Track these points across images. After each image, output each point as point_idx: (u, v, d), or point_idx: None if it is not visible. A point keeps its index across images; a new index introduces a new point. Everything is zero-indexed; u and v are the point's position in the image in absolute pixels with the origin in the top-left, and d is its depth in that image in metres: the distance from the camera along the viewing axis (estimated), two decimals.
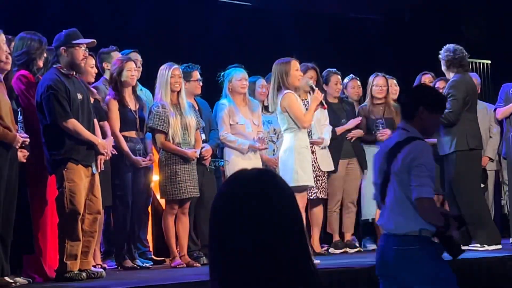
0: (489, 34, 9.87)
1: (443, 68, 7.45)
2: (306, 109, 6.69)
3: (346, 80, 8.18)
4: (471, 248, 6.99)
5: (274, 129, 7.42)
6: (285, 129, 6.66)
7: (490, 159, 8.01)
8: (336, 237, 7.71)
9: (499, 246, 7.06)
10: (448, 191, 7.44)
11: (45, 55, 5.82)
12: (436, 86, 7.72)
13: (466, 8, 11.31)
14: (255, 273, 1.85)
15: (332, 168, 7.48)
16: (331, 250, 7.54)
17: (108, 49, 7.05)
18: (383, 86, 7.93)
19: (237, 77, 7.07)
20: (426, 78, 8.01)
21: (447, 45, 7.48)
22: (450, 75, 7.36)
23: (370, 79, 8.00)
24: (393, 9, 11.20)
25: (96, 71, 6.49)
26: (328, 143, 7.42)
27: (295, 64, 6.63)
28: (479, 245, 7.04)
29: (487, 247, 6.98)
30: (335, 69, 7.94)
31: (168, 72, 6.61)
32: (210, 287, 1.92)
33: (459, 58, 7.34)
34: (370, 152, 7.59)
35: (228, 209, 1.88)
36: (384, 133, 7.45)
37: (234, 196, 1.89)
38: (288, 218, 1.88)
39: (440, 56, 7.43)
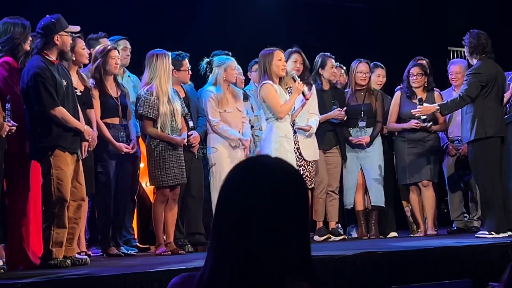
0: (473, 24, 9.86)
1: (466, 54, 7.43)
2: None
3: None
4: (480, 235, 7.07)
5: (250, 119, 7.46)
6: (266, 118, 6.73)
7: None
8: (320, 224, 7.72)
9: (506, 234, 7.08)
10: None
11: (30, 39, 5.77)
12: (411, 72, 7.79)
13: None
14: (253, 254, 1.85)
15: (317, 158, 7.46)
16: (315, 237, 7.54)
17: (97, 35, 7.02)
18: (366, 73, 7.94)
19: (232, 66, 7.07)
20: (363, 66, 7.95)
21: (471, 30, 7.42)
22: (474, 61, 7.32)
23: (353, 65, 7.99)
24: None
25: (89, 51, 6.43)
26: (314, 131, 7.40)
27: (278, 54, 6.74)
28: (487, 232, 7.08)
29: (494, 235, 7.02)
30: (329, 53, 7.92)
31: (168, 61, 6.58)
32: (206, 264, 1.91)
33: (483, 44, 7.27)
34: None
35: (238, 188, 1.89)
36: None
37: (248, 178, 1.90)
38: (294, 208, 1.89)
39: (463, 42, 7.42)
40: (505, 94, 7.74)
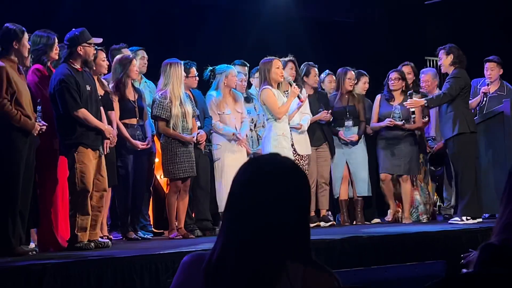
0: (450, 36, 9.88)
1: (447, 62, 7.45)
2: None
3: (322, 75, 8.20)
4: (453, 222, 7.10)
5: (252, 119, 7.47)
6: (267, 119, 6.81)
7: None
8: (312, 213, 7.70)
9: (477, 221, 7.11)
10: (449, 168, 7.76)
11: (57, 49, 5.78)
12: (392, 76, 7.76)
13: (430, 12, 11.33)
14: (259, 237, 1.85)
15: (309, 152, 7.46)
16: None
17: (119, 46, 7.04)
18: (353, 80, 7.95)
19: (232, 73, 7.10)
20: (406, 68, 7.96)
21: (447, 44, 7.49)
22: (450, 70, 7.38)
23: (341, 72, 7.99)
24: (365, 13, 11.21)
25: (108, 63, 6.44)
26: (306, 128, 7.40)
27: (276, 63, 6.78)
28: (459, 219, 7.13)
29: (467, 221, 7.05)
30: (313, 63, 7.92)
31: (181, 69, 6.60)
32: (217, 244, 1.92)
33: (461, 56, 7.39)
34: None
35: (249, 179, 1.91)
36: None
37: (258, 171, 1.92)
38: (296, 199, 1.90)
39: (443, 51, 7.45)
40: (475, 98, 7.79)
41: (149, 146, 6.64)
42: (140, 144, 6.52)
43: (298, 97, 6.91)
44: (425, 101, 7.27)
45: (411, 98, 7.36)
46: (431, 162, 8.00)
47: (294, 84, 6.95)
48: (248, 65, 7.63)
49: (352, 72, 7.97)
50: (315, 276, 1.90)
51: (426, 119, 7.90)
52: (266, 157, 2.02)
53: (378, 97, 7.84)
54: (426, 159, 7.94)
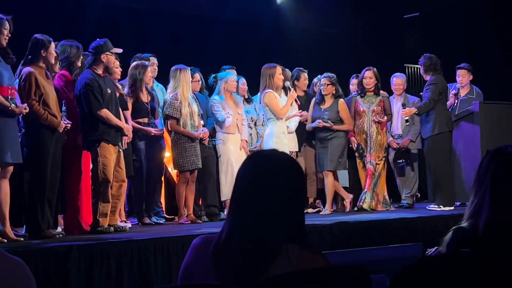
0: (426, 45, 9.89)
1: (422, 71, 7.46)
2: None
3: (315, 79, 8.11)
4: (431, 209, 7.13)
5: (252, 118, 7.46)
6: (268, 118, 6.78)
7: (412, 141, 7.99)
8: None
9: (452, 208, 7.14)
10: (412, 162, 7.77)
11: (82, 57, 5.80)
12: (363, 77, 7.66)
13: (408, 25, 11.33)
14: (259, 222, 1.88)
15: (297, 149, 7.35)
16: None
17: (140, 55, 7.04)
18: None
19: (231, 79, 7.09)
20: (369, 72, 7.57)
21: (425, 54, 7.47)
22: (427, 77, 7.39)
23: (321, 78, 7.88)
24: (350, 25, 11.21)
25: (121, 70, 6.44)
26: (293, 130, 7.28)
27: (278, 69, 6.75)
28: (437, 206, 7.16)
29: (443, 208, 7.07)
30: (303, 68, 7.86)
31: (189, 74, 6.64)
32: (224, 228, 1.95)
33: (435, 64, 7.35)
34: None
35: (252, 171, 1.94)
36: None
37: (260, 163, 1.95)
38: (293, 189, 1.93)
39: (419, 61, 7.43)
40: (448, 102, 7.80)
41: (161, 132, 6.61)
42: (153, 130, 6.52)
43: (296, 100, 6.93)
44: (416, 110, 7.25)
45: (404, 108, 7.38)
46: (397, 156, 7.96)
47: (292, 88, 6.93)
48: (234, 68, 7.43)
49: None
50: (309, 257, 1.93)
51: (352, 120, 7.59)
52: (267, 152, 2.06)
53: (313, 100, 7.50)
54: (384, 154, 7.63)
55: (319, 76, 8.14)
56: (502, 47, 9.51)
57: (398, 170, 8.01)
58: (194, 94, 7.01)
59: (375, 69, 7.51)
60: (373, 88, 7.46)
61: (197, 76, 7.04)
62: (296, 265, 1.89)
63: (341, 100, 7.39)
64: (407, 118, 7.46)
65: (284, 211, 1.90)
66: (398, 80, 8.01)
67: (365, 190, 7.38)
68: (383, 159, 7.47)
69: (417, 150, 8.03)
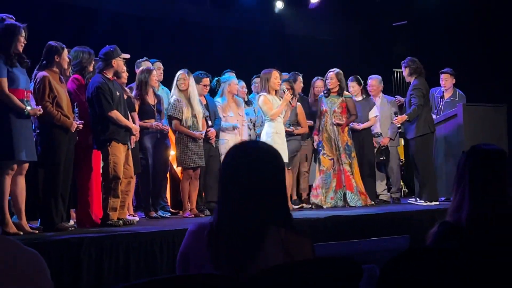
0: (412, 51, 9.89)
1: (406, 73, 7.41)
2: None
3: (313, 81, 8.08)
4: (419, 203, 7.14)
5: (251, 119, 7.44)
6: (264, 119, 6.77)
7: (391, 139, 7.97)
8: (294, 197, 7.64)
9: (437, 202, 7.15)
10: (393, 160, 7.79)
11: (93, 63, 5.80)
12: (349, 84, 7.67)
13: (397, 32, 11.33)
14: (253, 207, 1.90)
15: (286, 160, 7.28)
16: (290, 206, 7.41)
17: (142, 60, 7.04)
18: (322, 87, 7.80)
19: (234, 82, 7.10)
20: (331, 74, 7.46)
21: (409, 57, 7.45)
22: (411, 79, 7.37)
23: (313, 81, 7.90)
24: (342, 33, 11.21)
25: (128, 75, 6.42)
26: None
27: (275, 74, 6.75)
28: (423, 201, 7.15)
29: (428, 203, 7.07)
30: (298, 72, 7.85)
31: (191, 78, 6.61)
32: (214, 216, 1.97)
33: (420, 67, 7.33)
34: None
35: (234, 161, 1.97)
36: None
37: (241, 153, 1.98)
38: (273, 174, 1.96)
39: (403, 64, 7.40)
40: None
41: (166, 129, 6.57)
42: (160, 125, 6.49)
43: (290, 102, 6.92)
44: (407, 117, 7.26)
45: (396, 116, 7.40)
46: (377, 153, 7.95)
47: (288, 91, 6.92)
48: (234, 71, 7.42)
49: (322, 80, 7.77)
50: (295, 238, 1.95)
51: (310, 122, 7.59)
52: (248, 143, 2.10)
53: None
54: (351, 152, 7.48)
55: (315, 78, 8.16)
56: (484, 52, 9.52)
57: (377, 166, 8.00)
58: (204, 97, 7.01)
59: (338, 71, 7.39)
60: (336, 89, 7.37)
61: (205, 80, 6.99)
62: (283, 246, 1.90)
63: (299, 103, 7.38)
64: (399, 125, 7.50)
65: (267, 194, 1.92)
66: (373, 82, 8.03)
67: (345, 190, 7.22)
68: (354, 157, 7.35)
69: (395, 147, 8.04)
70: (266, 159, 1.97)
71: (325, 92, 7.45)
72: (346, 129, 7.37)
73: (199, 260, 1.94)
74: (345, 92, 7.44)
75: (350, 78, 7.98)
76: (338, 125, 7.27)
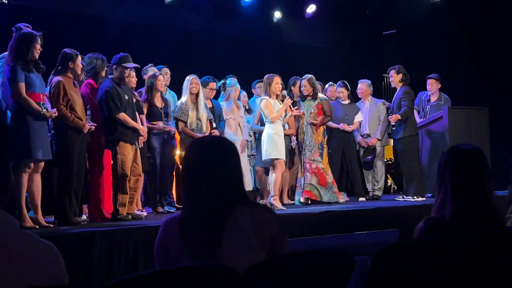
0: (401, 58, 9.89)
1: (397, 79, 7.44)
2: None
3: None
4: (406, 199, 7.15)
5: (251, 127, 7.40)
6: (265, 121, 6.75)
7: (379, 139, 7.98)
8: (285, 197, 7.49)
9: (424, 198, 7.16)
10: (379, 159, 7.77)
11: (106, 68, 5.80)
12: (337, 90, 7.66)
13: (387, 40, 11.34)
14: (212, 193, 1.97)
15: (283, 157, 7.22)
16: (286, 201, 7.34)
17: (148, 66, 7.03)
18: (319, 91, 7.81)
19: (238, 88, 7.19)
20: (304, 81, 7.39)
21: (398, 66, 7.49)
22: (399, 85, 7.38)
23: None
24: (336, 41, 11.21)
25: (136, 79, 6.39)
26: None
27: (276, 79, 6.73)
28: (411, 197, 7.14)
29: (416, 198, 7.08)
30: (298, 76, 7.81)
31: (189, 81, 6.58)
32: (183, 208, 2.04)
33: (408, 76, 7.43)
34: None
35: (197, 155, 2.05)
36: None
37: (198, 146, 2.08)
38: (231, 159, 2.05)
39: (394, 70, 7.44)
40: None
41: (172, 130, 6.56)
42: (163, 126, 6.46)
43: (290, 107, 6.94)
44: (400, 116, 7.28)
45: (391, 115, 7.43)
46: (365, 152, 7.91)
47: (288, 97, 6.93)
48: (236, 77, 7.41)
49: (320, 85, 7.76)
50: (260, 213, 2.01)
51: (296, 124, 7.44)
52: (203, 138, 2.19)
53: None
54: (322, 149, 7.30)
55: (330, 82, 8.14)
56: (468, 59, 9.53)
57: (365, 164, 7.99)
58: (211, 100, 7.00)
59: (310, 76, 7.28)
60: (311, 94, 7.29)
61: (212, 84, 6.98)
62: (251, 221, 1.95)
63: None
64: (393, 123, 7.53)
65: (224, 178, 1.99)
66: (362, 85, 8.04)
67: (319, 185, 7.07)
68: (325, 156, 7.22)
69: (383, 147, 8.05)
70: (221, 149, 2.04)
71: (302, 97, 7.38)
72: (321, 129, 7.27)
73: (178, 250, 1.98)
74: (321, 95, 7.39)
75: (339, 83, 7.95)
76: (312, 124, 7.19)
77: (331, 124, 7.57)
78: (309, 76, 7.31)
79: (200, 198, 1.97)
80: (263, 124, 6.94)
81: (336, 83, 8.06)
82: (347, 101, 7.82)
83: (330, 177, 7.15)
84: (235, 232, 1.93)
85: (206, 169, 1.99)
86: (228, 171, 2.02)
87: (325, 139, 7.26)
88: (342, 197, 7.20)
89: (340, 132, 7.65)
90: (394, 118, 7.35)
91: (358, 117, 7.79)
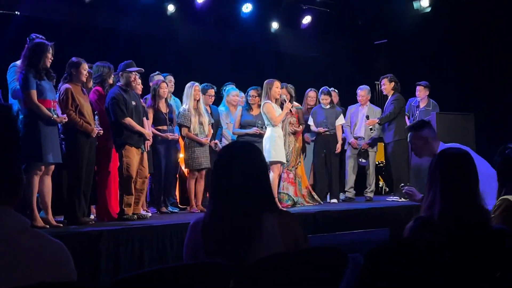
0: (392, 66, 9.90)
1: (389, 87, 7.45)
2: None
3: (306, 92, 8.01)
4: (395, 199, 7.14)
5: (233, 131, 7.30)
6: (267, 124, 6.72)
7: (370, 145, 7.93)
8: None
9: None
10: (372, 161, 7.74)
11: (113, 76, 5.79)
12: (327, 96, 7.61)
13: (378, 50, 11.35)
14: (239, 199, 1.92)
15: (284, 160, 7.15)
16: None
17: (154, 73, 7.03)
18: (314, 98, 7.75)
19: (233, 93, 7.12)
20: (312, 93, 7.60)
21: (390, 76, 7.51)
22: (391, 93, 7.39)
23: (306, 92, 7.85)
24: (329, 50, 11.22)
25: (142, 86, 6.37)
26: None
27: (276, 83, 6.70)
28: (399, 198, 7.18)
29: (405, 199, 7.07)
30: (291, 84, 7.66)
31: (192, 88, 6.60)
32: (208, 210, 1.99)
33: (399, 84, 7.47)
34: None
35: (226, 159, 2.00)
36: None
37: (231, 153, 2.02)
38: (260, 167, 2.00)
39: (386, 78, 7.45)
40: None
41: (176, 137, 6.56)
42: (170, 135, 6.48)
43: (290, 110, 6.93)
44: (378, 120, 7.28)
45: (368, 119, 7.40)
46: (359, 156, 7.90)
47: (288, 101, 6.91)
48: (234, 84, 7.39)
49: (315, 91, 7.74)
50: (288, 220, 1.99)
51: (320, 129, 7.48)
52: (235, 143, 2.15)
53: (240, 108, 7.18)
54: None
55: (309, 89, 8.13)
56: (455, 67, 9.55)
57: (359, 167, 7.98)
58: (210, 106, 7.00)
59: (288, 86, 7.19)
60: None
61: (211, 91, 6.98)
62: (280, 227, 1.93)
63: (267, 105, 7.09)
64: (371, 127, 7.50)
65: (255, 185, 1.94)
66: (362, 92, 8.01)
67: (294, 196, 6.95)
68: (299, 163, 7.15)
69: (374, 152, 8.04)
70: (250, 155, 2.00)
71: (280, 105, 7.30)
72: (301, 136, 7.24)
73: (199, 249, 1.95)
74: (296, 104, 7.32)
75: (322, 89, 7.70)
76: (294, 133, 7.07)
77: (313, 128, 7.53)
78: (286, 85, 7.19)
79: (231, 201, 1.91)
80: (243, 128, 6.92)
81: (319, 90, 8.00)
82: (328, 106, 7.74)
83: (304, 183, 7.11)
84: (264, 237, 1.89)
85: (238, 172, 1.94)
86: (258, 176, 1.97)
87: (301, 146, 7.25)
88: (309, 201, 7.08)
89: (321, 136, 7.57)
90: (370, 122, 7.33)
91: (340, 121, 7.63)
